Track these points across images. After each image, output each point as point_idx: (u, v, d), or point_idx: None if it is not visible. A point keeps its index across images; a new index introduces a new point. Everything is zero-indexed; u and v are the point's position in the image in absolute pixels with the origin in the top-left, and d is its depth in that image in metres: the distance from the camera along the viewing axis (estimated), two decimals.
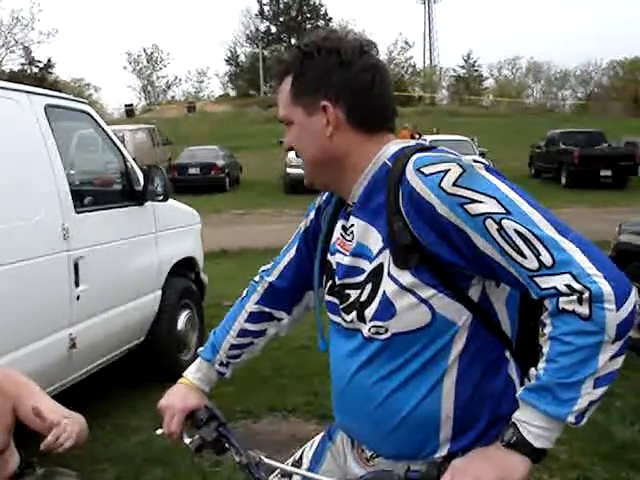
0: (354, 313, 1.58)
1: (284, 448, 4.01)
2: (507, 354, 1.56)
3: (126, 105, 52.28)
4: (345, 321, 1.62)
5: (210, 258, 6.94)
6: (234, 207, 21.00)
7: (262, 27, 64.18)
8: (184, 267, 6.17)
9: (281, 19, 63.47)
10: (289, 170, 22.94)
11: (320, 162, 1.61)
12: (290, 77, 1.60)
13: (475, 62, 67.50)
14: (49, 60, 54.18)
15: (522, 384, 1.44)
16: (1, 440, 2.69)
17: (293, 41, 60.25)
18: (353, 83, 1.54)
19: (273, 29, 64.12)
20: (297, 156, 1.65)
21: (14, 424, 2.70)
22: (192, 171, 24.57)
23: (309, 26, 59.73)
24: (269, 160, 27.07)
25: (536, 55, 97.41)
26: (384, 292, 1.50)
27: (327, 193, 1.81)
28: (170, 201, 5.77)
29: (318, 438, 1.92)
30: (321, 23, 59.96)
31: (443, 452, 1.54)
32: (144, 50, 65.35)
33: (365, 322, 1.55)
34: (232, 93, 66.46)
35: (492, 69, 69.13)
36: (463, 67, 67.66)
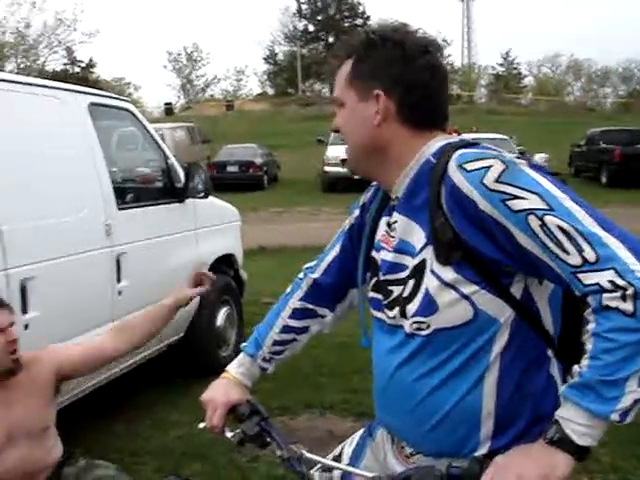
0: (397, 309, 1.59)
1: (321, 445, 4.01)
2: (549, 352, 1.56)
3: (165, 103, 52.67)
4: (388, 317, 1.63)
5: (248, 256, 6.98)
6: (272, 205, 21.06)
7: (300, 26, 64.21)
8: (224, 264, 6.21)
9: (319, 17, 63.35)
10: (327, 168, 22.95)
11: (364, 149, 1.62)
12: (351, 60, 1.62)
13: (514, 60, 66.75)
14: (91, 60, 55.09)
15: (564, 383, 1.44)
16: (46, 414, 2.77)
17: (331, 39, 60.17)
18: (410, 79, 1.55)
19: (311, 27, 64.04)
20: (341, 140, 1.66)
21: (57, 396, 2.80)
22: (230, 169, 24.66)
23: (347, 25, 59.56)
24: (307, 158, 27.08)
25: (577, 53, 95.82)
26: (426, 288, 1.50)
27: (372, 191, 1.82)
28: (210, 198, 5.81)
29: (358, 435, 1.92)
30: (359, 21, 59.75)
31: (484, 450, 1.54)
32: (184, 49, 65.86)
33: (407, 318, 1.55)
34: (270, 91, 66.58)
35: (531, 67, 68.32)
36: (502, 65, 66.92)
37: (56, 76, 40.72)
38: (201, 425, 1.90)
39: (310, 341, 2.07)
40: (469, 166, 1.43)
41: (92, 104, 4.65)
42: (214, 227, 5.95)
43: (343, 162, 21.46)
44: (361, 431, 1.92)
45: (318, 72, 59.63)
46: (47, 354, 2.87)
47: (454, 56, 67.70)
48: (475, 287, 1.46)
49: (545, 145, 28.98)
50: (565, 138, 28.56)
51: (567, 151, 26.81)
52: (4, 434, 2.66)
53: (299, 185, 25.18)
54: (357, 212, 1.86)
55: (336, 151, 21.82)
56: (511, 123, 34.24)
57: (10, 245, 3.55)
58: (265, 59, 67.08)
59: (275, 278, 9.07)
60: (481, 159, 1.44)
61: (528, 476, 1.31)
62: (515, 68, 67.40)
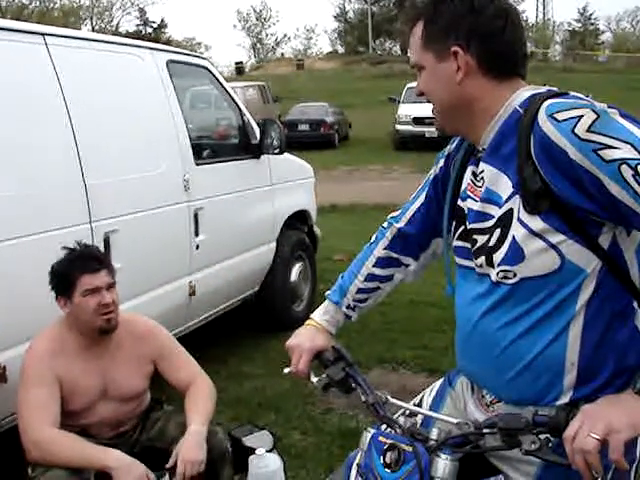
0: (482, 258, 1.60)
1: (395, 399, 4.07)
2: (635, 305, 1.54)
3: (236, 63, 52.77)
4: (476, 265, 1.64)
5: (320, 213, 7.01)
6: (343, 164, 21.03)
7: None
8: (298, 220, 6.26)
9: None
10: (398, 127, 22.76)
11: (450, 107, 1.62)
12: (422, 23, 1.61)
13: (591, 15, 64.65)
14: (162, 20, 55.83)
15: None
16: (141, 385, 2.92)
17: None
18: (484, 29, 1.54)
19: None
20: (428, 101, 1.66)
21: (152, 373, 2.93)
22: (302, 127, 24.68)
23: None
24: (378, 117, 26.88)
25: None
26: (513, 237, 1.50)
27: (457, 141, 1.82)
28: (285, 155, 5.84)
29: (438, 384, 1.95)
30: None
31: (565, 399, 1.55)
32: (253, 8, 65.88)
33: (493, 267, 1.56)
34: (340, 50, 66.10)
35: (610, 22, 66.03)
36: (578, 21, 64.91)
37: (129, 37, 41.09)
38: (286, 370, 1.94)
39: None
40: (560, 116, 1.41)
41: (170, 61, 4.71)
42: (288, 183, 5.98)
43: (415, 120, 21.26)
44: (441, 380, 1.94)
45: (389, 30, 58.85)
46: (158, 339, 3.01)
47: (528, 12, 65.86)
48: (563, 236, 1.45)
49: (624, 103, 27.89)
50: None
51: None
52: (99, 390, 2.80)
53: (370, 144, 25.05)
54: (442, 162, 1.86)
55: (408, 109, 21.62)
56: (586, 81, 33.18)
57: (95, 199, 3.66)
58: (335, 17, 66.72)
59: (346, 236, 9.12)
60: (572, 108, 1.42)
61: (617, 425, 1.31)
62: (592, 24, 65.23)
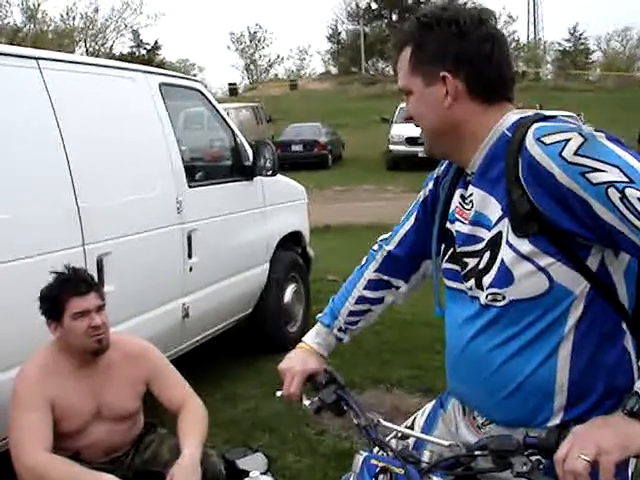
0: (472, 280, 1.61)
1: (388, 420, 4.06)
2: (624, 326, 1.55)
3: (229, 84, 52.97)
4: (466, 288, 1.65)
5: (313, 234, 7.02)
6: (337, 184, 21.09)
7: (363, 4, 63.58)
8: (291, 241, 6.26)
9: None
10: (391, 147, 22.87)
11: (439, 131, 1.63)
12: (409, 48, 1.62)
13: (581, 35, 64.97)
14: (156, 42, 55.85)
15: (639, 356, 1.43)
16: (134, 405, 2.92)
17: (394, 17, 59.57)
18: (472, 53, 1.55)
19: (374, 5, 63.34)
20: (416, 126, 1.67)
21: (144, 393, 2.92)
22: (295, 148, 24.75)
23: (410, 2, 58.75)
24: (371, 137, 26.99)
25: None
26: (502, 260, 1.52)
27: (445, 164, 1.83)
28: (278, 176, 5.85)
29: (430, 405, 1.95)
30: None
31: (556, 420, 1.56)
32: (247, 29, 66.29)
33: (483, 289, 1.57)
34: (333, 70, 66.30)
35: (600, 42, 66.42)
36: (569, 40, 65.18)
37: (122, 59, 41.36)
38: (278, 393, 1.94)
39: None
40: (547, 139, 1.43)
41: (163, 84, 4.74)
42: (282, 204, 5.99)
43: (408, 140, 21.34)
44: (432, 402, 1.95)
45: (381, 50, 59.14)
46: (151, 359, 3.00)
47: (520, 32, 66.32)
48: (551, 259, 1.47)
49: (614, 122, 28.17)
50: (635, 115, 27.74)
51: (637, 129, 26.04)
52: (93, 411, 2.79)
53: (363, 163, 25.12)
54: (431, 184, 1.88)
55: (401, 129, 21.69)
56: (577, 100, 33.38)
57: (87, 222, 3.66)
58: (328, 38, 66.89)
59: (340, 256, 9.10)
60: (560, 132, 1.43)
61: (607, 446, 1.30)
62: (582, 43, 65.60)
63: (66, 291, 2.73)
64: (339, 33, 66.09)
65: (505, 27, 61.23)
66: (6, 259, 3.18)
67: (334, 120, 30.79)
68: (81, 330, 2.71)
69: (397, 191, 18.72)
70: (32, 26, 45.78)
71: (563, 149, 1.40)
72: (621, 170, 1.36)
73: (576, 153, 1.39)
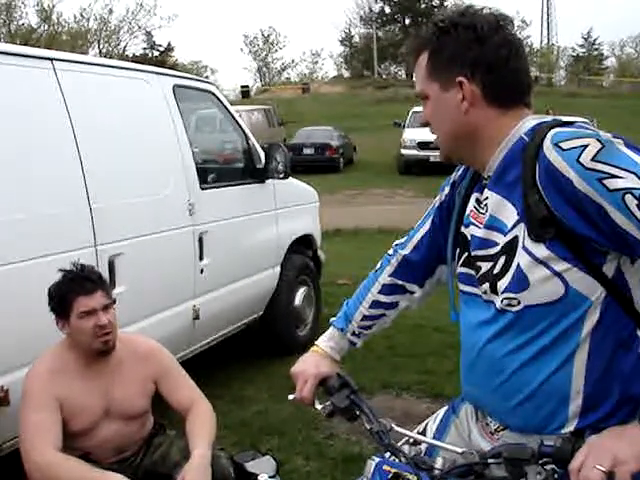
0: (487, 285, 1.60)
1: (398, 425, 4.05)
2: (639, 333, 1.53)
3: (242, 86, 52.99)
4: (481, 292, 1.64)
5: (324, 237, 7.01)
6: (348, 187, 21.08)
7: (376, 7, 63.52)
8: (302, 244, 6.26)
9: None
10: (403, 151, 22.85)
11: (455, 137, 1.63)
12: (426, 53, 1.62)
13: (595, 40, 64.86)
14: (169, 44, 56.22)
15: None
16: (143, 404, 2.92)
17: (407, 21, 59.53)
18: (489, 59, 1.54)
19: (387, 9, 63.33)
20: (432, 132, 1.67)
21: (153, 393, 2.92)
22: (307, 151, 24.76)
23: (423, 6, 58.77)
24: (383, 141, 26.97)
25: None
26: (518, 264, 1.51)
27: (462, 169, 1.82)
28: (290, 179, 5.85)
29: (442, 411, 1.94)
30: (435, 2, 58.85)
31: (570, 427, 1.54)
32: (261, 32, 66.37)
33: (498, 294, 1.56)
34: (346, 74, 66.36)
35: (614, 47, 66.26)
36: (582, 46, 65.10)
37: (135, 60, 41.55)
38: (290, 397, 1.93)
39: None
40: (565, 145, 1.42)
41: (176, 86, 4.75)
42: (293, 207, 6.00)
43: (420, 145, 21.32)
44: (445, 408, 1.94)
45: (394, 54, 59.11)
46: (160, 359, 3.00)
47: (533, 37, 66.16)
48: (567, 265, 1.45)
49: (628, 129, 28.09)
50: None
51: None
52: (102, 409, 2.79)
53: (375, 168, 25.11)
54: (448, 189, 1.87)
55: (413, 134, 21.69)
56: (590, 106, 33.28)
57: (100, 222, 3.67)
58: (341, 41, 66.98)
59: (351, 260, 9.12)
60: (577, 138, 1.42)
61: (623, 457, 1.30)
62: (596, 49, 65.50)
63: (72, 290, 2.73)
64: (352, 37, 66.18)
65: (519, 32, 60.79)
66: (19, 259, 3.19)
67: (346, 124, 30.79)
68: (87, 329, 2.71)
69: (408, 195, 18.73)
70: (47, 27, 46.05)
71: (580, 155, 1.39)
72: (638, 176, 1.35)
73: (593, 159, 1.38)
